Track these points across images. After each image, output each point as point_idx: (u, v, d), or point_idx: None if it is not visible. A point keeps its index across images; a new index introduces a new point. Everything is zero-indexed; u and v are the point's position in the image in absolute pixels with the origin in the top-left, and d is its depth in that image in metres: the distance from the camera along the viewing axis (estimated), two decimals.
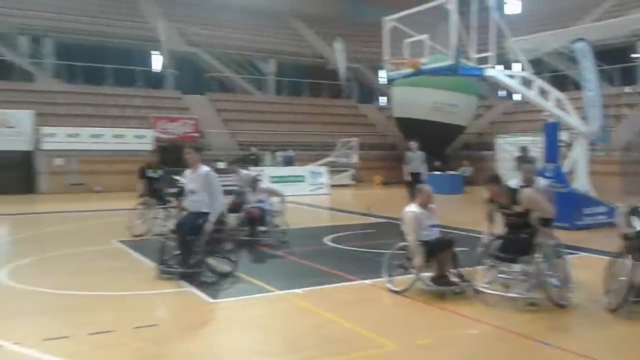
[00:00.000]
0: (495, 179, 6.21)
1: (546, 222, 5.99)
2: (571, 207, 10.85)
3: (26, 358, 4.52)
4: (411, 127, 25.28)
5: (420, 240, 6.32)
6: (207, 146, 25.31)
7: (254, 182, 10.55)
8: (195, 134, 24.85)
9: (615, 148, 20.80)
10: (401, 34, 11.64)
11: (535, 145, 18.61)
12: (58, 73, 27.15)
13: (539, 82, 11.85)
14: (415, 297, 6.25)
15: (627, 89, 24.88)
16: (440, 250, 6.35)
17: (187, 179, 7.40)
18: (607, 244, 7.22)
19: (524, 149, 13.46)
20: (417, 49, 11.67)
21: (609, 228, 9.06)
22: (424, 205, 6.62)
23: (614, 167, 20.41)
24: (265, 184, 11.42)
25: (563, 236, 7.44)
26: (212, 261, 7.23)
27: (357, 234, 11.68)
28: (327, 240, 10.43)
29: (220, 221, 7.39)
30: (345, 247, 9.73)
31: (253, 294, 6.55)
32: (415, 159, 14.60)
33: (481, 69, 11.04)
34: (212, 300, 6.27)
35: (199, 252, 6.99)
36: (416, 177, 14.24)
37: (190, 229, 7.02)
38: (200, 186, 7.12)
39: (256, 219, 9.94)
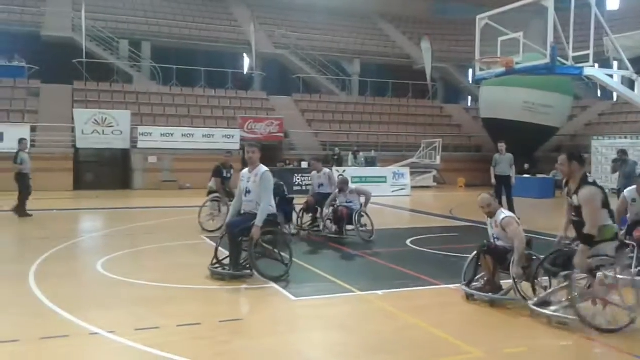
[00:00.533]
0: (576, 156, 5.51)
1: (586, 238, 5.22)
2: None
3: (120, 346, 4.77)
4: (500, 128, 24.43)
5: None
6: (290, 146, 25.83)
7: (344, 183, 10.68)
8: (280, 134, 25.35)
9: None
10: (493, 31, 11.26)
11: (635, 148, 17.49)
12: (154, 75, 28.62)
13: None
14: (498, 303, 6.03)
15: None
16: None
17: (244, 177, 7.19)
18: None
19: (623, 152, 12.61)
20: (508, 47, 11.26)
21: None
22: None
23: None
24: (354, 185, 11.48)
25: None
26: (261, 264, 7.04)
27: (440, 237, 11.44)
28: (408, 242, 10.28)
29: (274, 223, 7.30)
30: (428, 250, 9.55)
31: (335, 294, 6.57)
32: (504, 162, 13.99)
33: (580, 68, 10.45)
34: (295, 298, 6.35)
35: (248, 254, 6.94)
36: (504, 180, 13.71)
37: (241, 230, 6.94)
38: (257, 186, 7.00)
39: (344, 218, 10.07)
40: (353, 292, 6.63)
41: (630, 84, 11.79)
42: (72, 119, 22.40)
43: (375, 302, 6.28)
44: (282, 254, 7.14)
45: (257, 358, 4.65)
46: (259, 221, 6.83)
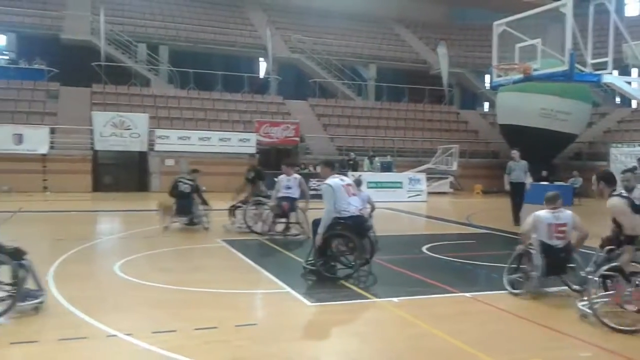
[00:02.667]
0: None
1: (630, 240, 5.50)
2: None
3: (137, 349, 4.79)
4: (517, 135, 24.26)
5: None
6: (306, 150, 25.87)
7: (357, 184, 10.71)
8: (296, 138, 25.41)
9: None
10: (511, 37, 11.20)
11: None
12: (172, 79, 28.86)
13: None
14: (516, 312, 5.98)
15: None
16: None
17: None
18: None
19: None
20: (526, 53, 11.18)
21: None
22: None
23: None
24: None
25: None
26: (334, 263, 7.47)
27: (456, 244, 11.34)
28: (424, 249, 10.22)
29: (344, 226, 7.45)
30: (444, 257, 9.48)
31: (350, 300, 6.55)
32: (518, 169, 13.84)
33: (598, 75, 10.35)
34: (310, 303, 6.35)
35: (317, 254, 7.36)
36: (518, 188, 13.56)
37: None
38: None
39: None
40: (369, 298, 6.61)
41: None
42: (91, 121, 22.66)
43: (391, 309, 6.25)
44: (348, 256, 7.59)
45: None
46: (320, 229, 7.28)
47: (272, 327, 5.61)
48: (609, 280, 5.72)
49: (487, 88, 34.86)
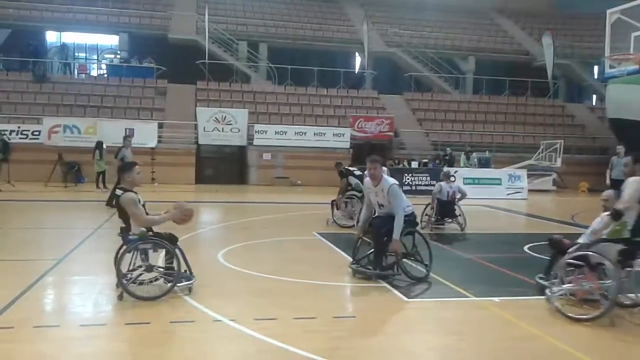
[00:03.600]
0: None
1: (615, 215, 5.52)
2: None
3: (241, 334, 5.02)
4: (628, 129, 22.55)
5: None
6: (400, 145, 25.65)
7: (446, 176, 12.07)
8: (390, 133, 25.26)
9: None
10: (624, 26, 10.46)
11: None
12: (270, 75, 29.66)
13: None
14: (624, 315, 5.65)
15: None
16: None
17: (370, 190, 7.20)
18: None
19: None
20: (635, 42, 10.40)
21: None
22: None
23: None
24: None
25: None
26: (406, 264, 7.15)
27: None
28: (526, 248, 9.84)
29: (413, 223, 7.33)
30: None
31: (448, 297, 6.46)
32: (620, 165, 13.07)
33: None
34: (407, 299, 6.33)
35: (393, 256, 6.99)
36: (619, 185, 12.68)
37: (387, 230, 6.93)
38: (387, 200, 7.00)
39: None
40: (468, 297, 6.48)
41: None
42: (195, 116, 23.82)
43: (491, 308, 6.09)
44: (421, 254, 7.27)
45: (371, 356, 4.69)
46: (396, 234, 6.84)
47: (370, 320, 5.66)
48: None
49: (595, 80, 32.79)
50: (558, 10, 36.98)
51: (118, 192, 6.07)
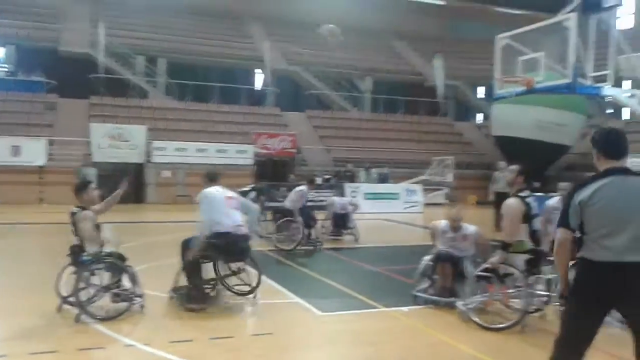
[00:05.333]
0: (526, 172, 6.21)
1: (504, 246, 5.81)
2: None
3: (157, 357, 4.84)
4: (511, 146, 24.51)
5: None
6: (302, 161, 25.97)
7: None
8: (293, 150, 25.51)
9: None
10: (510, 50, 11.40)
11: None
12: (169, 91, 28.95)
13: None
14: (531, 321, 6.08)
15: None
16: (435, 262, 6.71)
17: None
18: None
19: None
20: (523, 65, 11.34)
21: None
22: (451, 228, 6.96)
23: None
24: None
25: None
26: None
27: None
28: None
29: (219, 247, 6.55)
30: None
31: (360, 309, 6.63)
32: (503, 179, 14.24)
33: (599, 87, 10.56)
34: (321, 313, 6.42)
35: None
36: (503, 198, 13.76)
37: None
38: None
39: None
40: (379, 308, 6.68)
41: None
42: (89, 133, 22.67)
43: (402, 318, 6.33)
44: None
45: None
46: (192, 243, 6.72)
47: (288, 336, 5.67)
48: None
49: (480, 100, 35.25)
50: (448, 34, 39.38)
51: (74, 209, 6.09)
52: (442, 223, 7.07)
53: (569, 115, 24.44)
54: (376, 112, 32.36)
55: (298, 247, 10.89)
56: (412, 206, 21.92)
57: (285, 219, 11.29)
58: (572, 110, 24.40)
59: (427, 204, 22.88)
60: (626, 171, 3.37)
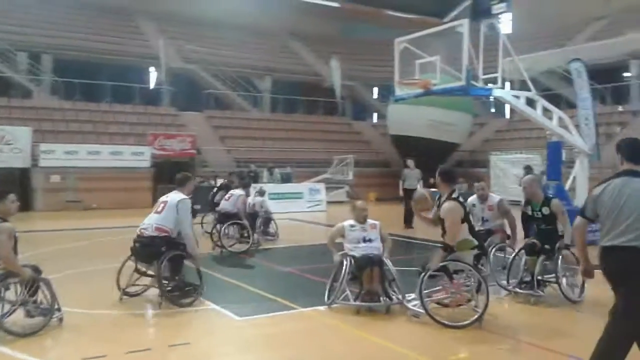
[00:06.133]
0: (446, 173, 6.59)
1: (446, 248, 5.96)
2: None
3: None
4: (407, 145, 25.59)
5: (349, 255, 6.74)
6: (203, 162, 25.45)
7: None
8: (192, 151, 24.91)
9: (606, 165, 21.15)
10: (408, 53, 11.87)
11: (530, 162, 19.02)
12: (56, 90, 27.13)
13: (542, 102, 12.11)
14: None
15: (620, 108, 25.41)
16: (363, 267, 6.56)
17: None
18: None
19: (528, 168, 13.75)
20: (416, 66, 11.86)
21: None
22: (359, 219, 6.98)
23: None
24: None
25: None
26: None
27: None
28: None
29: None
30: None
31: (277, 312, 6.62)
32: (412, 177, 15.00)
33: (490, 89, 11.28)
34: (239, 318, 6.33)
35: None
36: (411, 194, 14.45)
37: None
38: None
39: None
40: (295, 308, 6.71)
41: (529, 103, 12.75)
42: None
43: (318, 317, 6.40)
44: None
45: None
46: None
47: (206, 344, 5.55)
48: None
49: (375, 100, 36.44)
50: (344, 36, 40.26)
51: None
52: (346, 223, 7.07)
53: (458, 115, 25.92)
54: (276, 112, 32.41)
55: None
56: (316, 205, 22.24)
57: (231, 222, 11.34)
58: (461, 110, 25.90)
59: (330, 202, 23.31)
60: (635, 173, 3.98)
